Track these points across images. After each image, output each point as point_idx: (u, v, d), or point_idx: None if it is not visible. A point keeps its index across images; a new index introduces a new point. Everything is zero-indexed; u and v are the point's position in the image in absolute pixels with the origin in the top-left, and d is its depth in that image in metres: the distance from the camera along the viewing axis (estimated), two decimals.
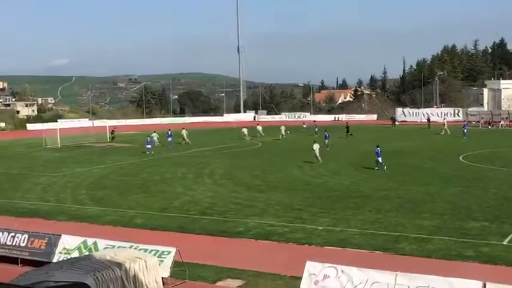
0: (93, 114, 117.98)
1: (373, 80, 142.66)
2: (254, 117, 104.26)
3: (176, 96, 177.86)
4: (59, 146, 51.98)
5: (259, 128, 58.95)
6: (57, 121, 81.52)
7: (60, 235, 15.28)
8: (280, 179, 29.83)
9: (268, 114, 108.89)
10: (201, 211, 21.84)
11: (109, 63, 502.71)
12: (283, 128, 57.47)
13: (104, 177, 32.01)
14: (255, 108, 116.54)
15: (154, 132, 50.64)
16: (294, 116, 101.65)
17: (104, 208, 22.99)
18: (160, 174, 32.59)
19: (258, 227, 19.07)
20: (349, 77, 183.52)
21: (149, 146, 44.70)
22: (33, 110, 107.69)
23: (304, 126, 69.61)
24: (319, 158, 35.05)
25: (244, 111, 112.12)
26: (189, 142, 51.16)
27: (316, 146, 35.70)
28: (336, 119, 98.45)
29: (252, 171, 32.98)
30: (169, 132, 50.16)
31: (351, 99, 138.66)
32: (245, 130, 58.27)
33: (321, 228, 18.55)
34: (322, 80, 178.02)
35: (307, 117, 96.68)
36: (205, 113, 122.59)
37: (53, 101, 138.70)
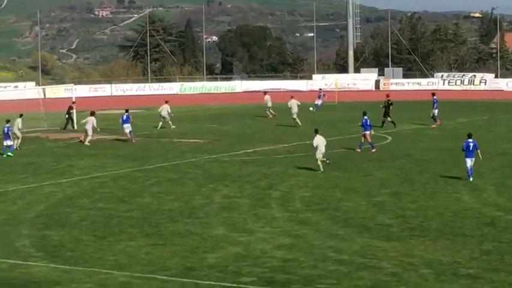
0: (46, 74, 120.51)
1: None
2: (377, 83, 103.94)
3: (215, 38, 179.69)
4: None
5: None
6: None
7: None
8: (430, 211, 29.86)
9: (405, 76, 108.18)
10: (265, 276, 21.93)
11: None
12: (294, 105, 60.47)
13: (67, 204, 32.65)
14: (379, 63, 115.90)
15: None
16: (461, 81, 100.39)
17: (67, 267, 23.29)
18: (181, 199, 33.04)
19: None
20: None
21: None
22: None
23: (319, 102, 71.47)
24: (321, 165, 39.19)
25: (357, 70, 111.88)
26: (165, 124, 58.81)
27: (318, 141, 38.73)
28: None
29: (371, 195, 33.13)
30: (125, 116, 52.84)
31: None
32: (294, 105, 60.44)
33: None
34: None
35: (486, 81, 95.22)
36: (274, 72, 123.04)
37: None
